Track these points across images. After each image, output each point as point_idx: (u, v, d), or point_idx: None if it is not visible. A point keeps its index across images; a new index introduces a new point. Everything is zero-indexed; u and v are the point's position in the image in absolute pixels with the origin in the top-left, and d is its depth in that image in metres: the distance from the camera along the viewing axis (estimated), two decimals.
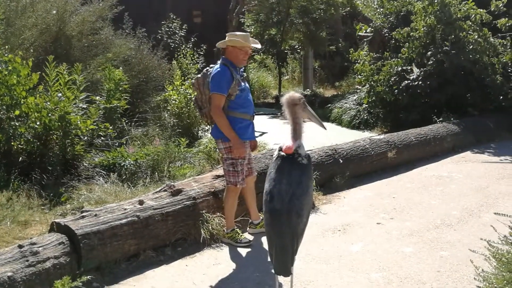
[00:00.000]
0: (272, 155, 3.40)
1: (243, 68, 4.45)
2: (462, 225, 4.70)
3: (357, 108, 11.12)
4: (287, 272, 2.94)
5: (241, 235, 4.29)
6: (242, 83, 4.17)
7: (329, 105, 12.30)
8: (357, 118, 10.86)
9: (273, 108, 13.96)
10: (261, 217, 4.44)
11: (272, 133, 9.63)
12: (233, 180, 4.18)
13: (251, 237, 4.40)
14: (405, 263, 3.86)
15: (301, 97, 3.18)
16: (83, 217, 3.75)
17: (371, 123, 10.43)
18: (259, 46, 4.38)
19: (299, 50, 17.80)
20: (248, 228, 4.55)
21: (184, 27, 13.17)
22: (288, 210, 2.88)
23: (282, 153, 3.09)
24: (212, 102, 4.08)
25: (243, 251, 4.14)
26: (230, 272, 3.74)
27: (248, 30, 15.81)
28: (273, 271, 3.06)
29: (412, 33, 9.39)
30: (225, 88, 4.03)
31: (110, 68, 7.34)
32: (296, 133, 3.12)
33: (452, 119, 8.80)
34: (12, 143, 5.38)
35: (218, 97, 4.03)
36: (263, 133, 9.88)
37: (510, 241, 2.57)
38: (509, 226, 2.65)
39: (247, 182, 4.34)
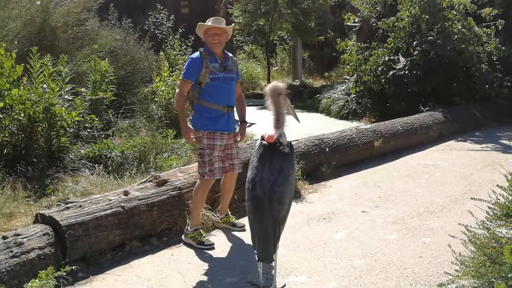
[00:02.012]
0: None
1: (230, 57, 4.22)
2: (445, 212, 4.76)
3: (345, 98, 11.16)
4: (270, 259, 2.98)
5: (204, 237, 4.05)
6: (219, 73, 4.05)
7: (318, 95, 12.33)
8: (345, 108, 10.90)
9: (262, 99, 13.95)
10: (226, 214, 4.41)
11: (260, 124, 9.63)
12: (201, 170, 4.07)
13: (215, 239, 4.18)
14: (388, 249, 3.91)
15: (285, 87, 3.20)
16: (67, 208, 3.75)
17: (360, 113, 10.48)
18: (227, 27, 4.12)
19: (288, 41, 17.78)
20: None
21: (171, 17, 13.08)
22: (269, 197, 2.91)
23: (264, 142, 3.12)
24: (178, 86, 4.14)
25: (229, 240, 4.16)
26: (215, 261, 3.77)
27: (236, 21, 15.76)
28: (256, 258, 3.09)
29: (397, 23, 9.42)
30: (191, 74, 4.02)
31: (96, 60, 7.30)
32: (279, 123, 3.15)
33: (438, 108, 8.87)
34: None
35: (183, 83, 4.05)
36: (252, 124, 9.87)
37: (486, 225, 2.62)
38: (486, 211, 2.70)
39: (226, 177, 4.28)
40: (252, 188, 2.98)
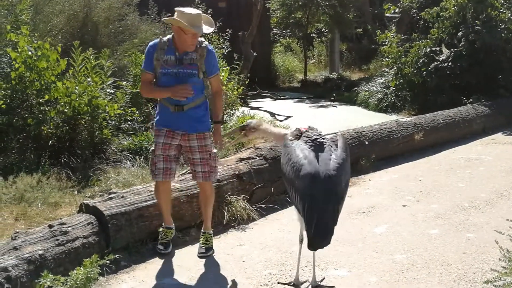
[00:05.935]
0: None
1: (198, 48, 3.55)
2: (490, 207, 4.61)
3: (384, 91, 10.95)
4: (328, 241, 2.81)
5: (165, 239, 3.80)
6: (169, 68, 3.53)
7: (356, 88, 12.15)
8: (384, 101, 10.70)
9: (299, 93, 13.90)
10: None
11: (297, 117, 9.60)
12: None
13: (251, 232, 4.19)
14: (430, 245, 3.82)
15: (247, 124, 3.65)
16: (110, 198, 3.84)
17: (399, 106, 10.27)
18: (210, 30, 3.56)
19: (325, 33, 17.58)
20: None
21: (209, 11, 13.13)
22: (329, 175, 2.86)
23: (308, 134, 3.19)
24: None
25: (267, 233, 4.17)
26: (253, 253, 3.78)
27: (274, 15, 15.67)
28: (304, 247, 2.93)
29: (442, 13, 9.15)
30: (147, 64, 3.59)
31: (136, 54, 7.41)
32: (281, 136, 3.52)
33: (482, 100, 8.58)
34: (42, 128, 5.51)
35: (142, 74, 3.72)
36: (288, 117, 9.86)
37: None
38: None
39: (199, 186, 3.94)
40: (308, 164, 2.89)
